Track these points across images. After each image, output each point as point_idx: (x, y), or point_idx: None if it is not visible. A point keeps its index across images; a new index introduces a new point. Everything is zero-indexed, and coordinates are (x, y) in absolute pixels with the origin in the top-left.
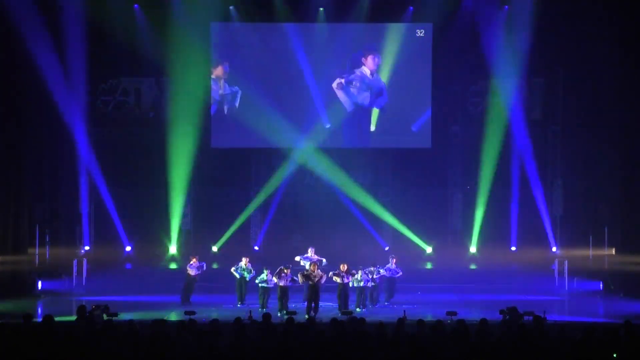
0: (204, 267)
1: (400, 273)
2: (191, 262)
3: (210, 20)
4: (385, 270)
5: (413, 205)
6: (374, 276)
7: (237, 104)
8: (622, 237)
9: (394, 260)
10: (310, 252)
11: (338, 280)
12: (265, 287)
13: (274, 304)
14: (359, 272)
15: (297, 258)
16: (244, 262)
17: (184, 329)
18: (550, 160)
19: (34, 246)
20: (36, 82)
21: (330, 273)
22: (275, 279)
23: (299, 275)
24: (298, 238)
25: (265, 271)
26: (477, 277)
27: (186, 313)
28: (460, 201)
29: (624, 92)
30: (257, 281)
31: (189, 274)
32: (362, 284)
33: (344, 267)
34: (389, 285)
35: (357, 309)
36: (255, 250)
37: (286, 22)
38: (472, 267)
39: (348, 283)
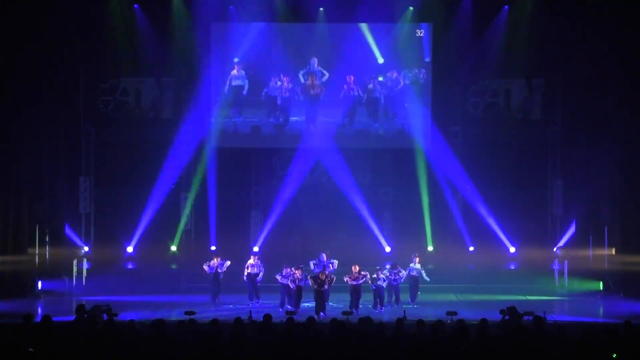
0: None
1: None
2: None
3: (210, 20)
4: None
5: (413, 205)
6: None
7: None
8: (622, 237)
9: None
10: (324, 257)
11: (351, 282)
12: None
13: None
14: (376, 272)
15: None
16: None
17: (184, 329)
18: (550, 161)
19: (34, 246)
20: (36, 82)
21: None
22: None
23: (309, 278)
24: (297, 238)
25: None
26: (476, 277)
27: (186, 313)
28: (461, 201)
29: (624, 91)
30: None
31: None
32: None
33: (355, 269)
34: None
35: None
36: (255, 251)
37: (286, 22)
38: (471, 267)
39: (360, 285)
